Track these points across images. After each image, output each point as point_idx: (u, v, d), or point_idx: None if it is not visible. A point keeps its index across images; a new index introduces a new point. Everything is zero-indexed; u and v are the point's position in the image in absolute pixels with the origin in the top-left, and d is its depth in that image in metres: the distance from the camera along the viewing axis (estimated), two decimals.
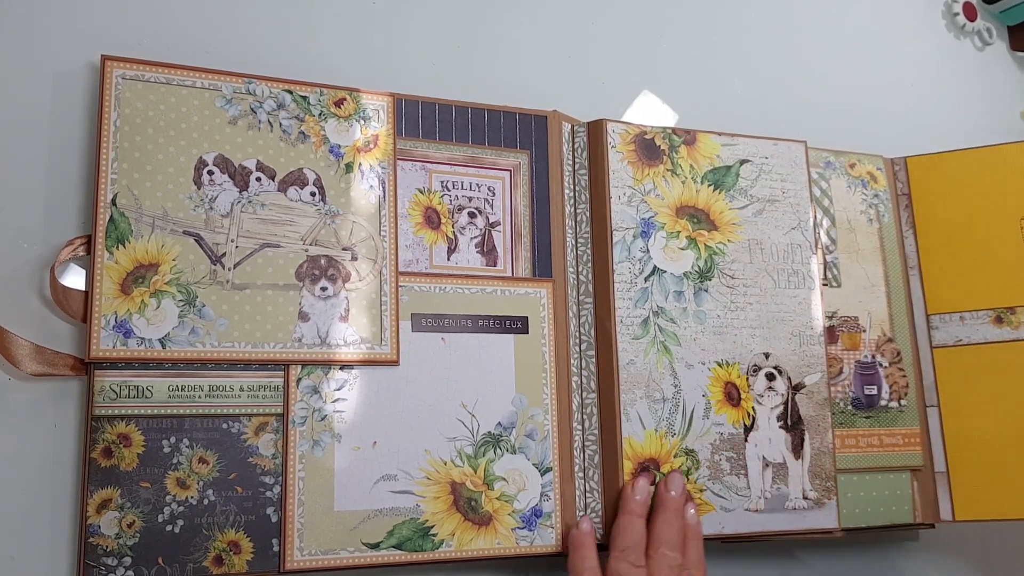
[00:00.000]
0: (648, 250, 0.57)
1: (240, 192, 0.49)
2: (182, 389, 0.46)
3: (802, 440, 0.58)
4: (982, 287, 0.66)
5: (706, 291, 0.58)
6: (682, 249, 0.58)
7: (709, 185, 0.60)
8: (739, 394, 0.57)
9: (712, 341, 0.57)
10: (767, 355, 0.59)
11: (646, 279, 0.56)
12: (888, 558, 0.68)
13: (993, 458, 0.64)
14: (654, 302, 0.56)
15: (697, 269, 0.58)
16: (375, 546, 0.48)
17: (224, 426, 0.47)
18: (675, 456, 0.54)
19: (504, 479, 0.52)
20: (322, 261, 0.50)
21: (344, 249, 0.51)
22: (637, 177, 0.58)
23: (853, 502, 0.60)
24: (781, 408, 0.58)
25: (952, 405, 0.65)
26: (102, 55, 0.48)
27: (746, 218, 0.60)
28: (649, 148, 0.59)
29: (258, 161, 0.50)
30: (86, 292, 0.46)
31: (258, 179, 0.50)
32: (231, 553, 0.45)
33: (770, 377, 0.58)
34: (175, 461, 0.45)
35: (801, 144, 0.64)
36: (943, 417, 0.65)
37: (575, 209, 0.58)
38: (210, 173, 0.49)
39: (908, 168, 0.69)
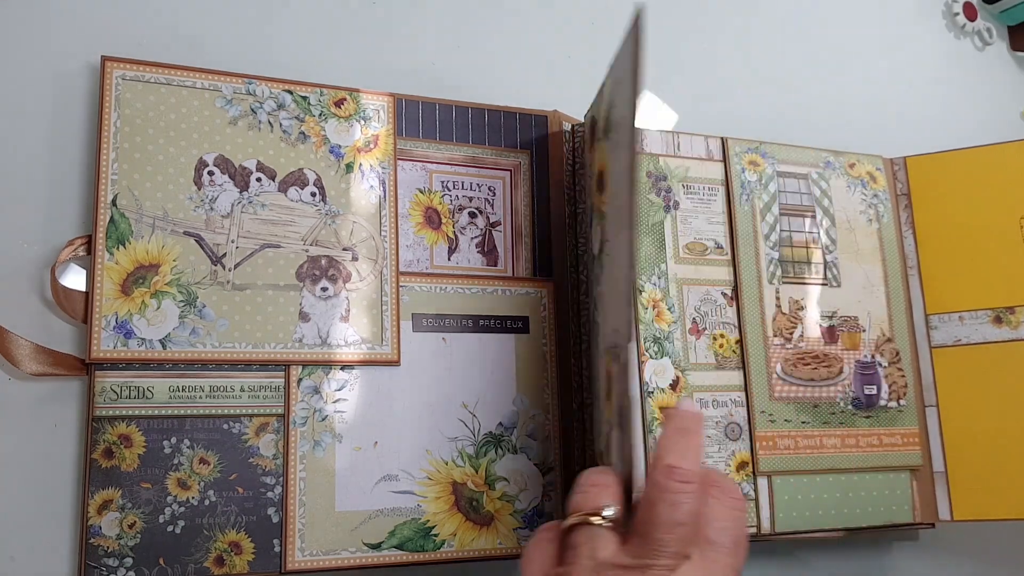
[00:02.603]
0: None
1: (240, 192, 0.49)
2: (183, 390, 0.46)
3: None
4: (981, 287, 0.66)
5: None
6: None
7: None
8: None
9: None
10: None
11: None
12: (888, 558, 0.69)
13: (992, 458, 0.64)
14: None
15: None
16: (376, 546, 0.48)
17: (225, 427, 0.47)
18: None
19: (506, 479, 0.52)
20: (322, 261, 0.50)
21: (345, 249, 0.51)
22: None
23: (853, 502, 0.60)
24: None
25: (951, 405, 0.65)
26: (102, 56, 0.48)
27: None
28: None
29: (258, 161, 0.50)
30: (86, 293, 0.46)
31: (258, 179, 0.50)
32: (232, 554, 0.45)
33: None
34: (176, 462, 0.45)
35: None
36: (942, 417, 0.65)
37: (575, 209, 0.58)
38: (210, 174, 0.49)
39: (907, 168, 0.69)
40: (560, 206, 0.57)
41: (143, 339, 0.46)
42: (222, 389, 0.47)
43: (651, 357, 0.56)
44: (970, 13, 0.88)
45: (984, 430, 0.64)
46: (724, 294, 0.60)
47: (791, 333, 0.61)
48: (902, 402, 0.64)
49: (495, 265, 0.55)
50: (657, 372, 0.56)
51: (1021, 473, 0.65)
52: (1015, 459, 0.63)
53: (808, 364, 0.61)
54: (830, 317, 0.63)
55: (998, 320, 0.66)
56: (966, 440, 0.65)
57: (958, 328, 0.66)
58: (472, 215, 0.55)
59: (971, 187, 0.68)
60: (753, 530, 0.57)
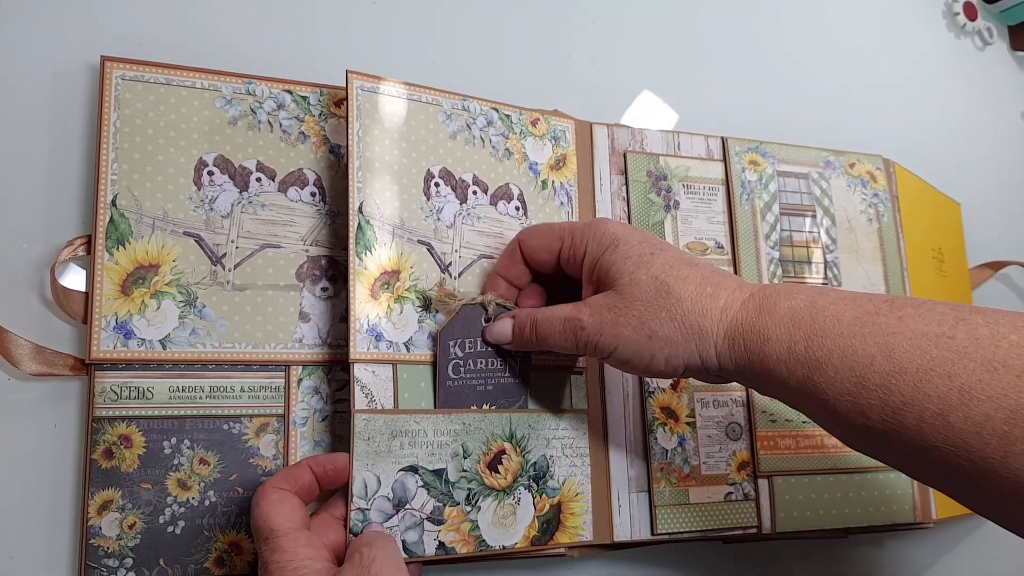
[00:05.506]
0: None
1: (240, 193, 0.49)
2: (183, 390, 0.46)
3: None
4: None
5: None
6: None
7: None
8: None
9: None
10: None
11: None
12: (889, 557, 0.69)
13: None
14: None
15: None
16: None
17: (225, 427, 0.47)
18: None
19: None
20: (323, 262, 0.50)
21: (345, 249, 0.51)
22: None
23: (854, 502, 0.60)
24: None
25: None
26: (102, 56, 0.48)
27: None
28: None
29: (258, 162, 0.50)
30: (86, 293, 0.46)
31: (258, 179, 0.50)
32: (232, 554, 0.45)
33: None
34: (176, 462, 0.45)
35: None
36: None
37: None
38: (210, 174, 0.49)
39: (897, 174, 0.70)
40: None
41: (143, 339, 0.46)
42: (222, 389, 0.47)
43: None
44: (970, 13, 0.88)
45: None
46: None
47: None
48: None
49: None
50: None
51: None
52: None
53: None
54: None
55: None
56: None
57: None
58: None
59: (917, 215, 0.70)
60: (754, 530, 0.57)
